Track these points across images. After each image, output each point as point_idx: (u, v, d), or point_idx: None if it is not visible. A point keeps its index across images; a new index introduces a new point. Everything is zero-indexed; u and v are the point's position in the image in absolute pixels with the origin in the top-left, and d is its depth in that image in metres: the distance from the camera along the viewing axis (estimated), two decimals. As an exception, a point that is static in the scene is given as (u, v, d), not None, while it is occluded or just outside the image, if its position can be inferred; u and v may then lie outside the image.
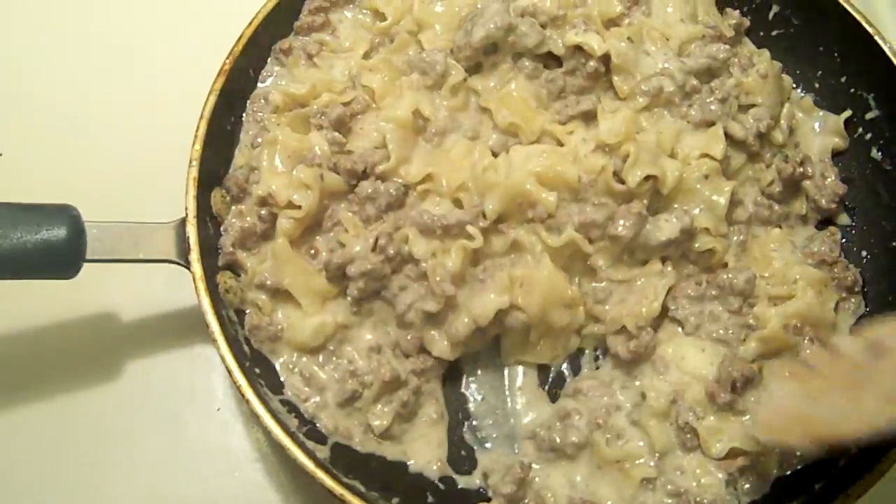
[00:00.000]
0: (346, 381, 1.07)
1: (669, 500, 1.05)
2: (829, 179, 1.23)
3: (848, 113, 1.25)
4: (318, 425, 1.06)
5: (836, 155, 1.26)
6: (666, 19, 1.22)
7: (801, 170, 1.20)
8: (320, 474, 0.97)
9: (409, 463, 1.08)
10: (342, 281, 1.09)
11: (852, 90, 1.25)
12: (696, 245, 1.13)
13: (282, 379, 1.08)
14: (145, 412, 1.16)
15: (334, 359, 1.09)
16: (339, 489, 0.97)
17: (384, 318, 1.11)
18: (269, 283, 1.09)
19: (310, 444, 1.02)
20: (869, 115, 1.24)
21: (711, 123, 1.16)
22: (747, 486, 1.06)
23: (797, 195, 1.23)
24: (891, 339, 0.95)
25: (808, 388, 0.99)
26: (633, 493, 1.05)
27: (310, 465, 0.97)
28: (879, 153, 1.22)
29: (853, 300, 1.18)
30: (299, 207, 1.08)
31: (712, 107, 1.16)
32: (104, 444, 1.14)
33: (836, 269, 1.17)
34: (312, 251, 1.11)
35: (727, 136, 1.16)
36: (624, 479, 1.05)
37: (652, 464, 1.06)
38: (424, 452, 1.08)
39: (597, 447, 1.06)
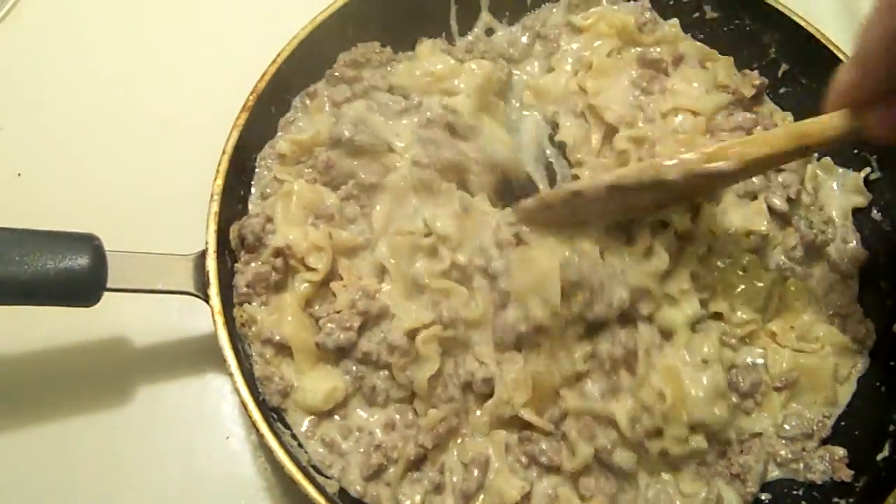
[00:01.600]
0: (371, 455, 1.07)
1: None
2: (850, 245, 1.25)
3: (867, 170, 1.28)
4: (348, 491, 1.06)
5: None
6: (691, 94, 1.26)
7: (823, 237, 1.23)
8: (330, 509, 0.99)
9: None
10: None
11: (855, 150, 1.28)
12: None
13: (303, 446, 1.09)
14: (155, 438, 1.17)
15: (355, 431, 1.10)
16: (347, 524, 0.99)
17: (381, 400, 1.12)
18: (274, 338, 1.10)
19: (320, 479, 1.05)
20: (872, 176, 1.27)
21: (754, 196, 1.20)
22: None
23: (819, 259, 1.25)
24: None
25: None
26: None
27: (320, 500, 0.99)
28: (879, 214, 1.26)
29: (859, 361, 1.21)
30: (315, 269, 1.11)
31: (754, 179, 1.20)
32: (113, 468, 1.15)
33: (849, 322, 1.21)
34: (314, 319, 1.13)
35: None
36: None
37: None
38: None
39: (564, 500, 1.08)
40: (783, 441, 1.15)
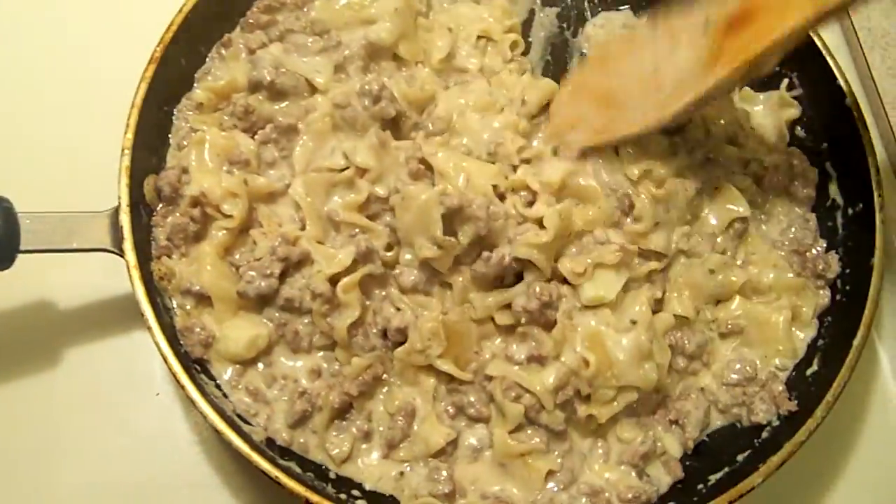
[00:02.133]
0: (295, 402, 1.07)
1: (584, 500, 1.06)
2: (796, 165, 1.23)
3: (786, 82, 1.26)
4: (275, 439, 1.06)
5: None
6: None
7: (779, 177, 1.22)
8: (255, 457, 0.99)
9: (364, 484, 1.07)
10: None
11: (777, 69, 1.26)
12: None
13: (228, 396, 1.08)
14: (85, 399, 1.16)
15: (280, 379, 1.09)
16: (274, 471, 0.98)
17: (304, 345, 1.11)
18: (193, 288, 1.09)
19: (246, 428, 1.04)
20: (793, 93, 1.26)
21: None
22: (658, 471, 1.10)
23: (776, 197, 1.23)
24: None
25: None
26: (540, 487, 1.06)
27: (245, 447, 0.99)
28: (803, 131, 1.26)
29: (822, 293, 1.19)
30: (231, 216, 1.10)
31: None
32: (45, 433, 1.15)
33: (807, 256, 1.19)
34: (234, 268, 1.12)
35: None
36: (529, 473, 1.07)
37: (555, 456, 1.08)
38: (380, 471, 1.08)
39: (498, 442, 1.07)
40: (724, 388, 1.14)
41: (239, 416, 1.07)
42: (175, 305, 1.10)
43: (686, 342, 1.12)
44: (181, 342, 1.08)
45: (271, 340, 1.10)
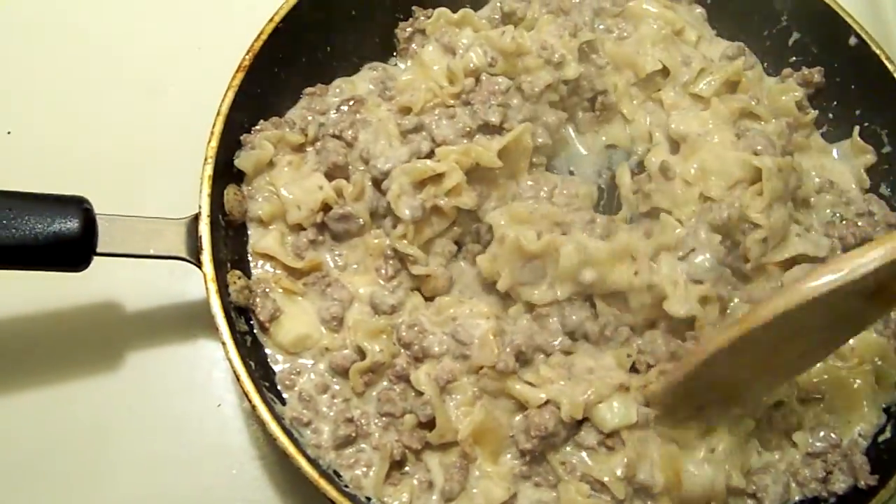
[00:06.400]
0: (340, 425, 1.05)
1: None
2: (876, 214, 1.21)
3: (857, 129, 1.25)
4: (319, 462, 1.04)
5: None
6: None
7: (860, 228, 1.19)
8: (323, 483, 0.97)
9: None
10: None
11: (866, 124, 1.26)
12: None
13: (284, 396, 1.08)
14: (145, 405, 1.15)
15: (328, 393, 1.08)
16: (341, 499, 0.97)
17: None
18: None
19: (312, 452, 1.03)
20: (884, 150, 1.24)
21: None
22: None
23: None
24: None
25: None
26: None
27: (313, 473, 0.97)
28: (888, 189, 1.24)
29: None
30: None
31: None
32: (103, 435, 1.14)
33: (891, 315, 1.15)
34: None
35: None
36: None
37: None
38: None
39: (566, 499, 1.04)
40: (806, 458, 1.09)
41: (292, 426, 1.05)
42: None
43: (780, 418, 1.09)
44: (257, 300, 1.09)
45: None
